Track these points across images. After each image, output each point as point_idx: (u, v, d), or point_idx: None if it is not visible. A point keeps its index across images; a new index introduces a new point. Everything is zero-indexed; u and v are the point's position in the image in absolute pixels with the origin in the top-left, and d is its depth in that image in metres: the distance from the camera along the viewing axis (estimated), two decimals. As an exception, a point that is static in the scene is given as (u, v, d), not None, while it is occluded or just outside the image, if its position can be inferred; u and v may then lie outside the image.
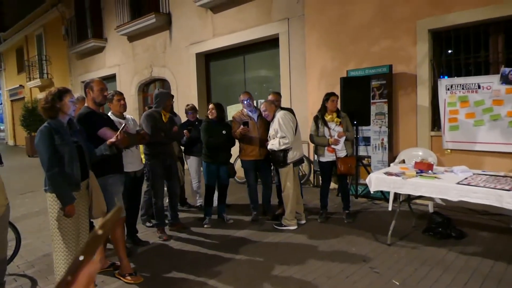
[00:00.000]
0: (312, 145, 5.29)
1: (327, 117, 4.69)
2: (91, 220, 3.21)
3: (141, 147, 4.30)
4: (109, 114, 3.75)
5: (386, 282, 3.09)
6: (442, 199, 3.92)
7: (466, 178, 3.59)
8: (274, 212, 5.02)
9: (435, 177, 3.67)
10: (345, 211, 4.82)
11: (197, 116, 5.65)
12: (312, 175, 6.87)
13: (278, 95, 5.10)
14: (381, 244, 3.92)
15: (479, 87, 4.80)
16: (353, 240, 4.09)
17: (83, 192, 2.89)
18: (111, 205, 3.17)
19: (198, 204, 5.65)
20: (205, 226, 4.75)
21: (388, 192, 5.10)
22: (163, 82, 10.63)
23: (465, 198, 3.29)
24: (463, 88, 4.94)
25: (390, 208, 4.98)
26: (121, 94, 3.84)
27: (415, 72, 5.44)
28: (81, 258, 0.58)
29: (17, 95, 20.15)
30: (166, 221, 4.62)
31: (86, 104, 3.44)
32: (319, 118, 4.73)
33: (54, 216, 2.74)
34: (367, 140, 5.94)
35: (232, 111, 7.69)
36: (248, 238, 4.32)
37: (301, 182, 5.62)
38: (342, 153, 4.67)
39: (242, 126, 4.59)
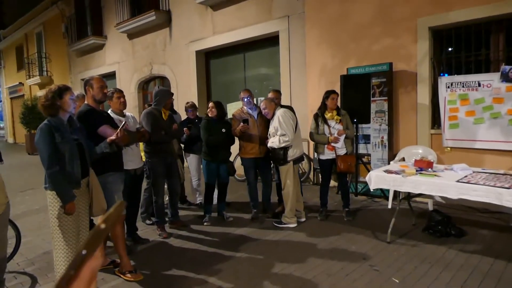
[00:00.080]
0: (312, 143, 5.29)
1: (327, 115, 4.68)
2: (91, 218, 3.21)
3: (141, 145, 4.30)
4: (109, 111, 3.75)
5: (385, 280, 3.10)
6: (442, 197, 3.92)
7: (466, 176, 3.59)
8: (274, 210, 5.03)
9: (435, 175, 3.67)
10: (345, 209, 4.83)
11: (197, 114, 5.64)
12: (312, 173, 6.87)
13: (278, 93, 5.09)
14: (380, 242, 3.93)
15: (479, 85, 4.79)
16: (353, 238, 4.10)
17: (83, 190, 2.89)
18: (111, 203, 3.16)
19: (198, 202, 5.65)
20: (205, 224, 4.75)
21: (388, 190, 5.11)
22: (163, 80, 10.62)
23: (465, 196, 3.30)
24: (463, 86, 4.93)
25: (389, 206, 4.98)
26: (121, 91, 3.83)
27: (415, 70, 5.43)
28: (84, 252, 0.58)
29: (17, 93, 20.13)
30: (166, 219, 4.62)
31: (86, 102, 3.44)
32: (319, 116, 4.72)
33: (54, 214, 2.74)
34: (367, 138, 5.94)
35: (232, 109, 7.67)
36: (248, 236, 4.32)
37: (301, 180, 5.62)
38: (342, 151, 4.67)
39: (242, 124, 4.58)
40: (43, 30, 16.71)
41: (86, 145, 2.92)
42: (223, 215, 4.96)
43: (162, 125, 4.23)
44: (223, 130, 4.70)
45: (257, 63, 8.34)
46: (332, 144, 4.60)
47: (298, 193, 4.75)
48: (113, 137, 3.04)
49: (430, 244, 3.80)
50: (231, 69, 8.87)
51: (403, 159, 5.17)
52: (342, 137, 4.61)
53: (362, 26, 5.97)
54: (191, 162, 5.48)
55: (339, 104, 4.95)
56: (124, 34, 11.17)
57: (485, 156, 4.85)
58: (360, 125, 5.82)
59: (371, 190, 4.61)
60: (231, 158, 5.02)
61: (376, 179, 3.93)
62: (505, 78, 4.56)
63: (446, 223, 4.03)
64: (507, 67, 4.53)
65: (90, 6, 13.08)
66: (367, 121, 5.65)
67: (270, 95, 4.96)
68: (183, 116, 5.73)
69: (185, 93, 9.32)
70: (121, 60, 11.73)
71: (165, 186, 4.56)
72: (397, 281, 3.07)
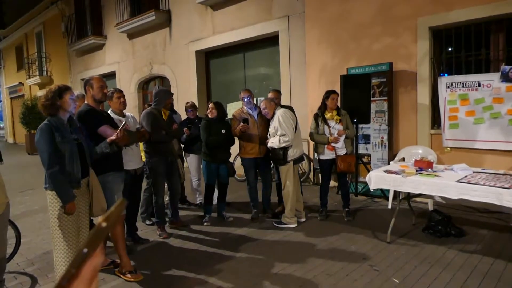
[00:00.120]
0: (312, 143, 5.29)
1: (327, 115, 4.68)
2: (91, 218, 3.21)
3: (141, 145, 4.30)
4: (109, 111, 3.74)
5: (385, 280, 3.10)
6: (442, 197, 3.92)
7: (466, 176, 3.59)
8: (274, 210, 5.02)
9: (435, 175, 3.67)
10: (345, 209, 4.83)
11: (197, 114, 5.64)
12: (312, 173, 6.87)
13: (278, 92, 5.09)
14: (380, 242, 3.93)
15: (479, 85, 4.79)
16: (353, 238, 4.10)
17: (83, 190, 2.89)
18: (111, 203, 3.16)
19: (198, 202, 5.65)
20: (205, 224, 4.75)
21: (388, 190, 5.11)
22: (163, 80, 10.62)
23: (464, 196, 3.30)
24: (463, 86, 4.93)
25: (389, 206, 4.99)
26: (121, 91, 3.83)
27: (415, 70, 5.43)
28: (85, 251, 0.57)
29: (17, 93, 20.12)
30: (166, 219, 4.62)
31: (86, 102, 3.44)
32: (319, 116, 4.72)
33: (54, 214, 2.74)
34: (367, 138, 5.94)
35: (232, 108, 7.68)
36: (248, 236, 4.32)
37: (301, 180, 5.62)
38: (342, 151, 4.67)
39: (241, 124, 4.58)
40: (43, 30, 16.71)
41: (86, 145, 2.92)
42: (223, 215, 4.96)
43: (162, 125, 4.23)
44: (223, 131, 4.69)
45: (257, 63, 8.34)
46: (332, 144, 4.60)
47: (298, 193, 4.75)
48: (113, 137, 3.04)
49: (430, 244, 3.80)
50: (231, 69, 8.87)
51: (403, 159, 5.17)
52: (342, 137, 4.60)
53: (362, 26, 5.97)
54: (191, 162, 5.48)
55: (339, 104, 4.95)
56: (124, 34, 11.16)
57: (485, 156, 4.85)
58: (360, 125, 5.82)
59: (371, 190, 4.61)
60: (231, 158, 5.02)
61: (376, 179, 3.93)
62: (505, 78, 4.55)
63: (446, 223, 4.03)
64: (507, 67, 4.53)
65: (90, 5, 13.08)
66: (367, 121, 5.65)
67: (270, 95, 4.96)
68: (183, 116, 5.73)
69: (185, 93, 9.31)
70: (121, 60, 11.73)
71: (165, 186, 4.56)
72: (397, 281, 3.07)
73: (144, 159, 4.32)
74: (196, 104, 6.21)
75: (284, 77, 7.30)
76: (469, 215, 4.67)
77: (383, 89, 5.69)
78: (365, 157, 5.94)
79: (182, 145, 5.49)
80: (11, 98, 21.26)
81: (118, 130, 3.06)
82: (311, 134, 4.79)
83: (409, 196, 4.31)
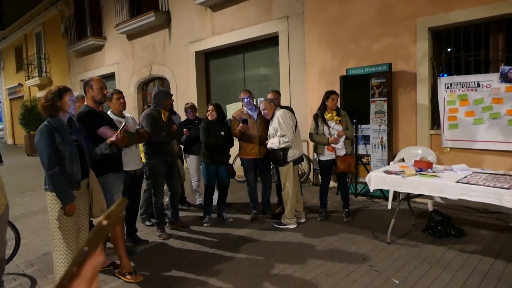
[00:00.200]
0: (311, 144, 5.29)
1: (327, 116, 4.68)
2: (91, 219, 3.21)
3: (141, 146, 4.30)
4: (109, 112, 3.74)
5: (385, 280, 3.10)
6: (442, 198, 3.92)
7: (465, 177, 3.59)
8: (274, 211, 5.02)
9: (435, 176, 3.67)
10: (345, 210, 4.83)
11: (197, 115, 5.64)
12: (311, 174, 6.87)
13: (277, 93, 5.09)
14: (380, 242, 3.93)
15: (478, 85, 4.80)
16: (352, 238, 4.10)
17: (83, 191, 2.89)
18: (111, 204, 3.16)
19: (197, 203, 5.65)
20: (205, 225, 4.75)
21: (388, 191, 5.11)
22: (162, 81, 10.62)
23: (464, 196, 3.30)
24: (462, 87, 4.94)
25: (389, 207, 4.99)
26: (120, 92, 3.83)
27: (414, 71, 5.44)
28: (86, 249, 0.57)
29: (16, 94, 20.11)
30: (166, 220, 4.62)
31: (85, 103, 3.44)
32: (319, 117, 4.72)
33: (54, 215, 2.74)
34: (366, 139, 5.94)
35: (232, 109, 7.68)
36: (247, 236, 4.32)
37: (301, 180, 5.62)
38: (341, 152, 4.67)
39: (241, 124, 4.58)
40: (43, 31, 16.70)
41: (86, 146, 2.91)
42: (222, 216, 4.95)
43: (162, 126, 4.23)
44: (222, 133, 4.69)
45: (257, 64, 8.34)
46: (332, 145, 4.60)
47: (298, 193, 4.75)
48: (113, 138, 3.05)
49: (430, 245, 3.80)
50: (231, 70, 8.87)
51: (403, 160, 5.18)
52: (342, 138, 4.61)
53: (362, 26, 5.98)
54: (190, 163, 5.48)
55: (338, 104, 4.96)
56: (124, 35, 11.16)
57: (485, 156, 4.85)
58: (359, 126, 5.82)
59: (371, 191, 4.59)
60: (231, 159, 5.02)
61: (375, 179, 3.93)
62: (505, 78, 4.56)
63: (446, 223, 4.03)
64: (507, 68, 4.53)
65: (89, 6, 13.08)
66: (367, 121, 5.65)
67: (269, 95, 4.96)
68: (183, 117, 5.73)
69: (185, 94, 9.31)
70: (121, 61, 11.73)
71: (165, 187, 4.56)
72: (397, 281, 3.07)
73: (143, 160, 4.32)
74: (196, 105, 6.21)
75: (283, 78, 7.30)
76: (469, 215, 4.67)
77: (383, 90, 5.70)
78: (365, 157, 5.94)
79: (182, 146, 5.49)
80: (10, 99, 21.25)
81: (118, 131, 3.06)
82: (310, 135, 4.79)
83: (409, 196, 4.31)
